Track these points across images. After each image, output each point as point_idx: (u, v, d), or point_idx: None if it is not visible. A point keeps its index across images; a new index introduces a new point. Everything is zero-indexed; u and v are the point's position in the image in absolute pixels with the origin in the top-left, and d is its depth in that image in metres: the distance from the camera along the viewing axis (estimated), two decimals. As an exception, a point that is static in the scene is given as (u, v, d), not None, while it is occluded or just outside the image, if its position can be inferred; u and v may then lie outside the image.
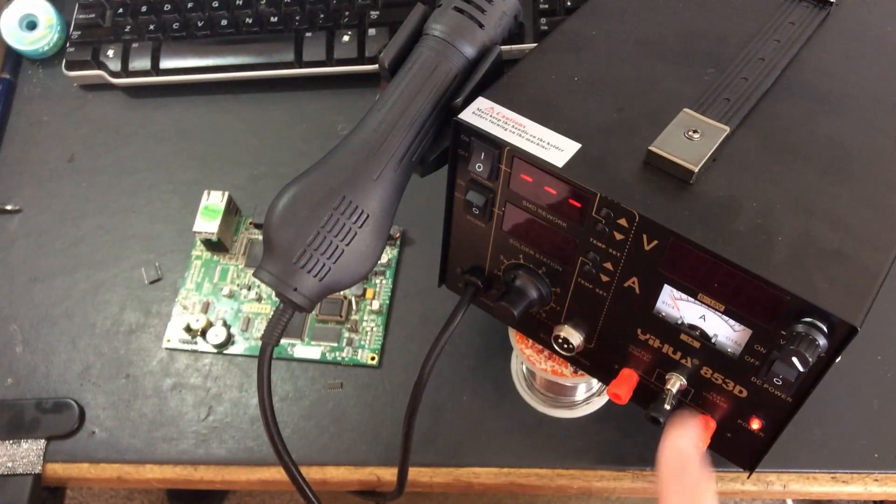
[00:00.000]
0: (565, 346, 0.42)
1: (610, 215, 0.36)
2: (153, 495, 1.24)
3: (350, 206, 0.39)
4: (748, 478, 0.48)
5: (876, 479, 0.48)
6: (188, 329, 0.56)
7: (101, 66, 0.66)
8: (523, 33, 0.61)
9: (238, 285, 0.58)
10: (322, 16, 0.64)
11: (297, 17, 0.64)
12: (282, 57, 0.63)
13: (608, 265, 0.38)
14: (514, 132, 0.38)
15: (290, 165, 0.62)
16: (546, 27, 0.61)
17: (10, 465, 0.54)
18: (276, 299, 0.55)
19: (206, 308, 0.57)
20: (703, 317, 0.36)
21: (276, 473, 0.52)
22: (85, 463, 0.54)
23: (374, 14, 0.63)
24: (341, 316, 0.55)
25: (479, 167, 0.39)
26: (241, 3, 0.65)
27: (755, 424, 0.38)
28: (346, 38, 0.63)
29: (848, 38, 0.44)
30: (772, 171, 0.37)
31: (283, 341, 0.55)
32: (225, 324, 0.56)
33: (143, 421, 0.54)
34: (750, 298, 0.33)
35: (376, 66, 0.62)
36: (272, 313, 0.44)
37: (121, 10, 0.67)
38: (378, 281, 0.57)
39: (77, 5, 0.68)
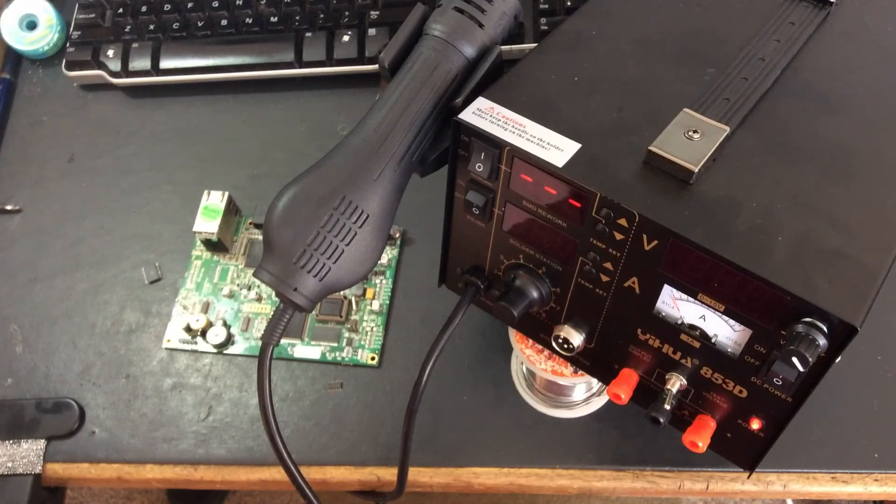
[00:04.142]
0: (565, 346, 0.42)
1: (610, 215, 0.36)
2: (153, 495, 1.24)
3: (350, 206, 0.39)
4: (748, 478, 0.48)
5: (876, 479, 0.48)
6: (188, 329, 0.56)
7: (101, 66, 0.66)
8: (523, 33, 0.61)
9: (238, 285, 0.58)
10: (322, 16, 0.64)
11: (297, 17, 0.64)
12: (282, 57, 0.63)
13: (608, 265, 0.38)
14: (514, 132, 0.38)
15: (290, 165, 0.62)
16: (546, 27, 0.61)
17: (10, 465, 0.54)
18: (276, 299, 0.55)
19: (206, 308, 0.57)
20: (703, 317, 0.36)
21: (276, 473, 0.52)
22: (85, 463, 0.54)
23: (374, 14, 0.63)
24: (341, 316, 0.55)
25: (479, 167, 0.39)
26: (241, 3, 0.65)
27: (755, 424, 0.38)
28: (346, 38, 0.63)
29: (848, 38, 0.44)
30: (772, 171, 0.37)
31: (283, 341, 0.55)
32: (225, 324, 0.56)
33: (143, 421, 0.54)
34: (750, 298, 0.33)
35: (376, 66, 0.62)
36: (272, 313, 0.44)
37: (121, 10, 0.67)
38: (378, 281, 0.57)
39: (77, 5, 0.68)
